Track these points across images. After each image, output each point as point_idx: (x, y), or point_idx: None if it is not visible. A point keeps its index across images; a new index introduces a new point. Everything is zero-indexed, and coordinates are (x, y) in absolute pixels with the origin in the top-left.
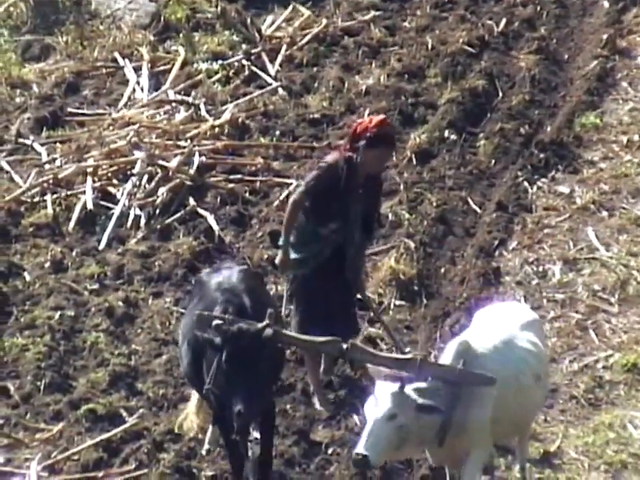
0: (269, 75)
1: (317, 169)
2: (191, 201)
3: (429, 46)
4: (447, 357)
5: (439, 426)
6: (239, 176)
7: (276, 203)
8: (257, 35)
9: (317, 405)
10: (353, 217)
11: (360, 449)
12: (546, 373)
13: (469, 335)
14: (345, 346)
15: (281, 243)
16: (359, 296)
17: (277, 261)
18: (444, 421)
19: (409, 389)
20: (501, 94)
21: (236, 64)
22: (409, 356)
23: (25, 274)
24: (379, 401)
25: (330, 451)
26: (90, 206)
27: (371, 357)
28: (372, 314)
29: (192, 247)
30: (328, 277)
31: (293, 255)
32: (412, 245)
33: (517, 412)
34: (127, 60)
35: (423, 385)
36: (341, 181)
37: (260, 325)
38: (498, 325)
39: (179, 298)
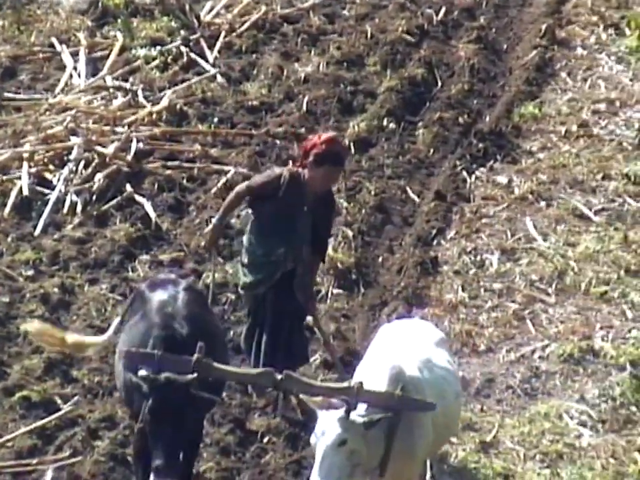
0: (208, 62)
1: (262, 175)
2: (128, 187)
3: (369, 34)
4: (379, 381)
5: (383, 452)
6: (176, 162)
7: (214, 190)
8: (195, 21)
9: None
10: (300, 233)
11: (314, 477)
12: (460, 389)
13: (396, 358)
14: (279, 377)
15: (213, 220)
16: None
17: (205, 235)
18: (387, 446)
19: (353, 414)
20: (440, 83)
21: (174, 50)
22: (345, 384)
23: None
24: (327, 429)
25: (265, 440)
26: (26, 191)
27: (306, 387)
28: (321, 337)
29: (129, 233)
30: (280, 297)
31: (246, 279)
32: (350, 233)
33: (443, 431)
34: (64, 45)
35: (362, 411)
36: (280, 190)
37: (189, 377)
38: (411, 344)
39: (115, 285)
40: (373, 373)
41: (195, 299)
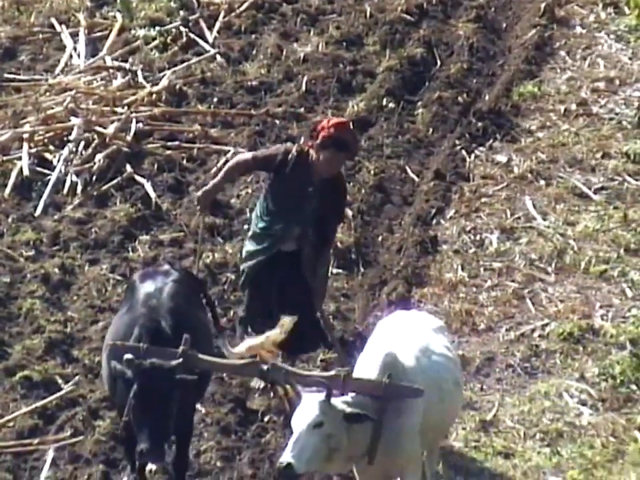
0: (207, 42)
1: (274, 148)
2: (128, 168)
3: (368, 14)
4: (373, 369)
5: (370, 439)
6: (176, 143)
7: (213, 170)
8: (194, 1)
9: (253, 382)
10: (304, 213)
11: (285, 457)
12: (461, 377)
13: (391, 346)
14: (265, 367)
15: (207, 185)
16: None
17: (198, 193)
18: (374, 435)
19: (336, 400)
20: (439, 62)
21: (174, 30)
22: (332, 372)
23: None
24: (305, 410)
25: (266, 419)
26: (26, 172)
27: (293, 377)
28: (326, 333)
29: (129, 213)
30: (280, 276)
31: (245, 249)
32: (349, 213)
33: (442, 419)
34: (63, 26)
35: (348, 398)
36: (286, 167)
37: (174, 362)
38: (410, 333)
39: (115, 265)
40: (368, 363)
41: (183, 291)
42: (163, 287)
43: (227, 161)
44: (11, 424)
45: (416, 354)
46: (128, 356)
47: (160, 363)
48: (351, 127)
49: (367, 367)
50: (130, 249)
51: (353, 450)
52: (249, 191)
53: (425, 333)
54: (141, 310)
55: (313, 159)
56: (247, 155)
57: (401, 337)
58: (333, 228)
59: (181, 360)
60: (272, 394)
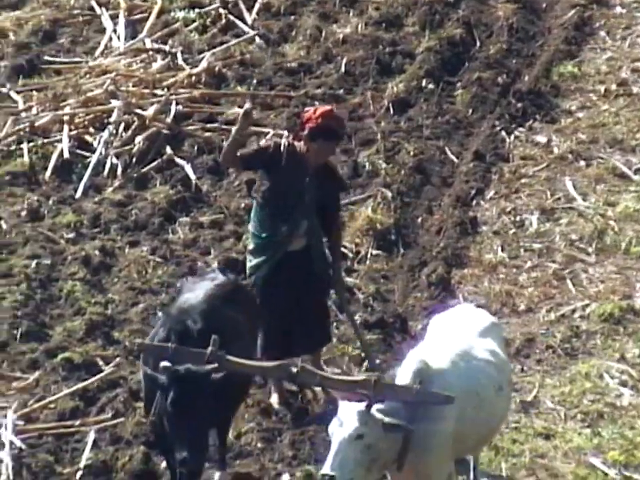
0: (246, 24)
1: (261, 143)
2: (168, 150)
3: None
4: (404, 376)
5: (401, 446)
6: (215, 125)
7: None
8: None
9: (275, 403)
10: (308, 204)
11: (326, 469)
12: (508, 381)
13: (426, 349)
14: (294, 370)
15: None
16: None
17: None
18: (405, 441)
19: (374, 409)
20: (478, 43)
21: (213, 12)
22: (362, 377)
23: (1, 222)
24: (345, 421)
25: (306, 401)
26: (66, 154)
27: (322, 380)
28: (351, 325)
29: (169, 195)
30: (294, 281)
31: (249, 264)
32: (389, 194)
33: (480, 426)
34: (103, 8)
35: (382, 406)
36: (281, 162)
37: (209, 367)
38: (454, 335)
39: (155, 247)
40: (403, 368)
41: (223, 295)
42: (201, 290)
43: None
44: (52, 405)
45: (453, 358)
46: (165, 364)
47: (196, 369)
48: (336, 113)
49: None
50: (170, 230)
51: (386, 458)
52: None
53: (469, 335)
54: (173, 312)
55: (303, 150)
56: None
57: (445, 339)
58: (338, 216)
59: (215, 365)
60: (300, 398)
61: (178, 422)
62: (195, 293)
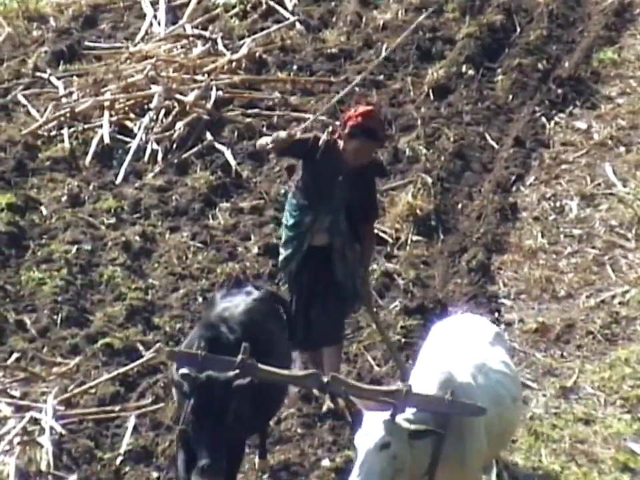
0: (287, 9)
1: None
2: (208, 136)
3: None
4: (428, 386)
5: (430, 458)
6: (256, 110)
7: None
8: None
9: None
10: (336, 201)
11: (353, 479)
12: (520, 392)
13: (436, 354)
14: (325, 379)
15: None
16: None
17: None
18: (434, 453)
19: (399, 418)
20: (518, 29)
21: None
22: (393, 387)
23: (42, 208)
24: (371, 431)
25: None
26: (107, 140)
27: (352, 390)
28: (376, 328)
29: (209, 181)
30: (314, 276)
31: (280, 257)
32: (429, 180)
33: (500, 436)
34: None
35: (410, 415)
36: (317, 154)
37: (230, 373)
38: (465, 345)
39: (195, 232)
40: (423, 379)
41: (260, 309)
42: (239, 302)
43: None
44: (93, 391)
45: (472, 371)
46: (183, 371)
47: (216, 376)
48: (378, 114)
49: (420, 380)
50: (210, 216)
51: (415, 469)
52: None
53: (481, 346)
54: (207, 320)
55: (342, 148)
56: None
57: (455, 352)
58: (367, 221)
59: (237, 371)
60: (333, 405)
61: (199, 429)
62: (229, 304)
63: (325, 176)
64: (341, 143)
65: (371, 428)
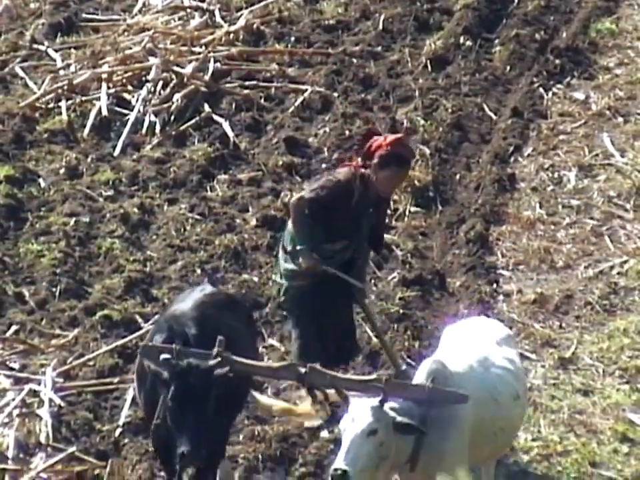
0: None
1: (326, 180)
2: (206, 107)
3: None
4: (419, 376)
5: (412, 449)
6: (253, 82)
7: (291, 109)
8: None
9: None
10: (363, 231)
11: (339, 463)
12: (524, 390)
13: (442, 354)
14: (302, 370)
15: (299, 248)
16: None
17: (304, 265)
18: (416, 444)
19: (387, 406)
20: (516, 0)
21: None
22: (373, 376)
23: (40, 180)
24: (358, 416)
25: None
26: (105, 112)
27: (332, 380)
28: (372, 328)
29: (207, 153)
30: (328, 293)
31: (287, 265)
32: (427, 151)
33: (496, 434)
34: None
35: (395, 404)
36: (352, 199)
37: (212, 362)
38: (471, 343)
39: (194, 204)
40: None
41: (215, 302)
42: (191, 299)
43: (304, 100)
44: (92, 363)
45: (471, 364)
46: (165, 356)
47: (197, 363)
48: (408, 141)
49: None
50: (208, 188)
51: (397, 458)
52: (327, 129)
53: (487, 343)
54: (162, 320)
55: (372, 180)
56: (299, 199)
57: (461, 347)
58: (382, 236)
59: (218, 359)
60: (311, 399)
61: (179, 416)
62: (185, 302)
63: (353, 211)
64: (368, 174)
65: (358, 414)
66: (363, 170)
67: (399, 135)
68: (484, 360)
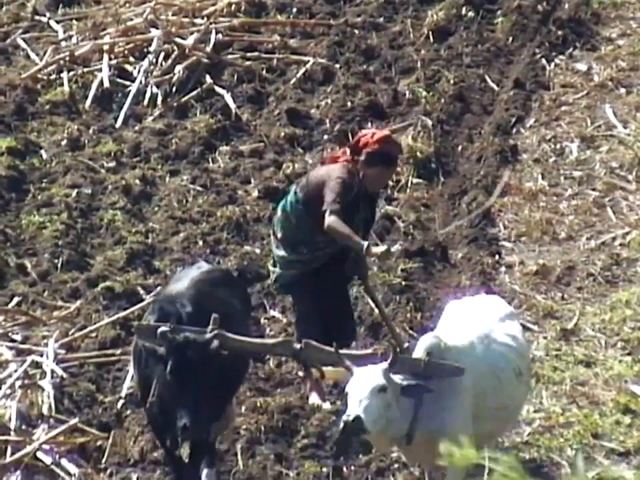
0: None
1: (337, 186)
2: (208, 79)
3: None
4: (417, 351)
5: (409, 422)
6: (255, 53)
7: (293, 80)
8: None
9: (315, 401)
10: (355, 227)
11: (353, 411)
12: (527, 367)
13: (443, 329)
14: (298, 346)
15: (360, 246)
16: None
17: (373, 251)
18: (413, 417)
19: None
20: None
21: None
22: (369, 351)
23: (42, 152)
24: (367, 376)
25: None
26: (106, 83)
27: (327, 356)
28: (378, 311)
29: (209, 124)
30: (322, 277)
31: (279, 252)
32: (429, 122)
33: (499, 410)
34: None
35: (400, 375)
36: (352, 194)
37: (208, 335)
38: (473, 319)
39: (195, 176)
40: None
41: (212, 279)
42: (187, 277)
43: (305, 72)
44: (94, 334)
45: (472, 340)
46: (163, 328)
47: (194, 337)
48: (394, 138)
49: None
50: (210, 159)
51: (396, 429)
52: (329, 101)
53: (489, 320)
54: (162, 297)
55: (362, 175)
56: (333, 216)
57: (463, 322)
58: (372, 226)
59: (215, 332)
60: (305, 373)
61: (178, 391)
62: (180, 280)
63: (347, 206)
64: (357, 170)
65: (368, 374)
66: (353, 164)
67: (386, 132)
68: (486, 336)
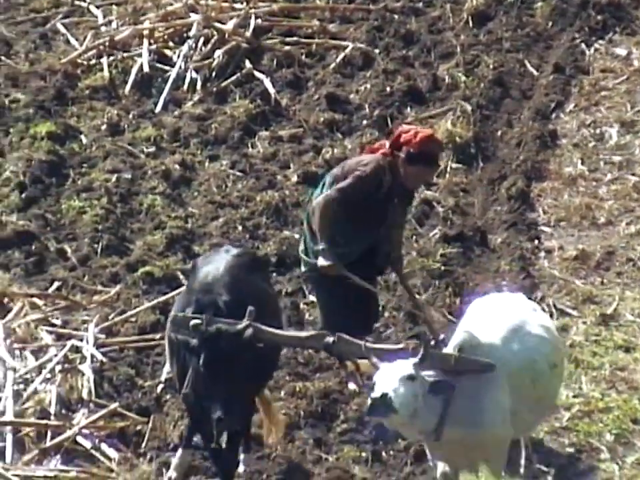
0: None
1: (355, 177)
2: (247, 64)
3: None
4: (449, 347)
5: (438, 417)
6: (295, 38)
7: (332, 65)
8: None
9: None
10: (390, 223)
11: (379, 391)
12: (561, 360)
13: (473, 325)
14: (330, 339)
15: (320, 247)
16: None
17: (320, 264)
18: (443, 412)
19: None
20: None
21: None
22: (400, 345)
23: (82, 137)
24: (397, 368)
25: (387, 315)
26: (146, 68)
27: (359, 349)
28: (412, 305)
29: (248, 109)
30: (357, 272)
31: (319, 246)
32: (468, 107)
33: (535, 403)
34: None
35: (428, 372)
36: (381, 190)
37: (240, 326)
38: (502, 314)
39: (235, 161)
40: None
41: (243, 265)
42: (220, 263)
43: (345, 56)
44: (133, 319)
45: (505, 334)
46: (195, 321)
47: (226, 328)
48: (437, 138)
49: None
50: (249, 144)
51: (424, 422)
52: (368, 86)
53: (519, 314)
54: (197, 287)
55: (402, 172)
56: (326, 199)
57: (491, 319)
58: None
59: (247, 323)
60: (340, 369)
61: (211, 383)
62: (216, 268)
63: (382, 201)
64: (395, 163)
65: (397, 366)
66: (392, 158)
67: (428, 132)
68: (517, 330)
